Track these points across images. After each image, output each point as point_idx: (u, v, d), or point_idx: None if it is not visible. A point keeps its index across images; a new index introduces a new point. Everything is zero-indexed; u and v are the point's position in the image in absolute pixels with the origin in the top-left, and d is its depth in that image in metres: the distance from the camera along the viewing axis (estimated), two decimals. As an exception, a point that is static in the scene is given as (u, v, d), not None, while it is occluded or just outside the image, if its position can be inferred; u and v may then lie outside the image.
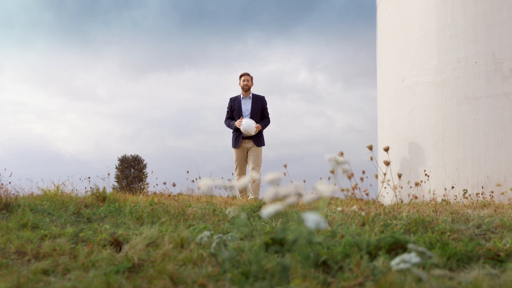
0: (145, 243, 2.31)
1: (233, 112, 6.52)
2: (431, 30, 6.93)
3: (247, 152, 6.39)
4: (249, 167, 6.34)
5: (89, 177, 6.56)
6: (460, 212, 3.24)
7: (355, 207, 2.72)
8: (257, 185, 6.23)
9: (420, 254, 1.26)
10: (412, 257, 1.21)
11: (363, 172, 2.96)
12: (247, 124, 6.24)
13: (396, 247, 2.01)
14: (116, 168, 38.57)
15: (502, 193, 4.83)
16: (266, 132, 6.63)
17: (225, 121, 6.63)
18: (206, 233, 1.79)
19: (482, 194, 5.22)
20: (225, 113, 6.66)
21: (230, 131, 6.57)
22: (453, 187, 5.37)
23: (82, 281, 1.79)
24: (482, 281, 1.58)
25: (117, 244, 2.48)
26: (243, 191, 6.13)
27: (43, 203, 3.25)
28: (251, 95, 6.52)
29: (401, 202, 2.94)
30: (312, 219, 0.95)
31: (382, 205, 2.86)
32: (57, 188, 4.24)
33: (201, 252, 2.01)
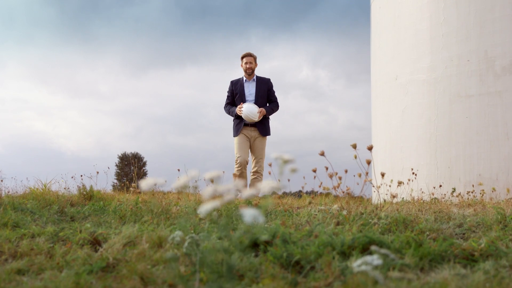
0: (123, 242, 2.30)
1: (235, 96, 5.76)
2: (424, 28, 6.92)
3: (250, 142, 5.67)
4: (252, 161, 5.66)
5: (81, 175, 6.53)
6: (444, 211, 3.24)
7: (336, 206, 2.71)
8: (257, 182, 5.61)
9: (383, 256, 1.26)
10: (374, 259, 1.21)
11: (346, 171, 2.95)
12: (248, 110, 5.46)
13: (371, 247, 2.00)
14: (116, 165, 38.64)
15: (485, 192, 4.83)
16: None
17: (225, 108, 5.87)
18: (178, 232, 1.78)
19: (472, 192, 5.22)
20: (225, 98, 5.89)
21: (231, 122, 5.87)
22: (440, 186, 5.38)
23: (53, 281, 1.79)
24: (451, 281, 1.57)
25: (97, 243, 2.47)
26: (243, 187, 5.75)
27: (26, 201, 3.24)
28: (255, 77, 5.79)
29: (384, 201, 2.94)
30: (249, 214, 0.94)
31: (360, 203, 2.86)
32: (45, 187, 4.23)
33: (175, 252, 2.00)
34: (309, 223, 2.42)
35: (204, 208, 1.00)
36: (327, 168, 2.99)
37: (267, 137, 5.76)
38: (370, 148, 2.90)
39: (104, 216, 3.14)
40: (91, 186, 3.95)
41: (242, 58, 5.79)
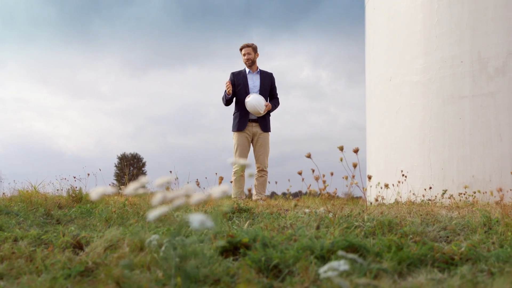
0: (105, 246, 2.29)
1: (237, 88, 5.45)
2: (417, 29, 6.92)
3: (252, 139, 5.40)
4: (255, 158, 5.38)
5: (74, 177, 6.50)
6: (432, 213, 3.23)
7: (322, 209, 2.70)
8: (263, 181, 5.34)
9: (351, 261, 1.25)
10: (341, 265, 1.20)
11: (331, 174, 2.94)
12: (256, 100, 5.18)
13: (351, 251, 2.00)
14: (116, 166, 38.66)
15: (473, 194, 4.83)
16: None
17: (223, 98, 5.55)
18: (155, 236, 1.77)
19: (464, 194, 5.22)
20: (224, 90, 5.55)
21: (231, 122, 5.56)
22: (430, 188, 5.37)
23: (30, 285, 1.78)
24: (426, 286, 1.56)
25: (79, 247, 2.46)
26: (240, 189, 5.33)
27: (12, 204, 3.23)
28: (258, 70, 5.55)
29: (371, 203, 2.93)
30: (196, 219, 0.94)
31: (344, 206, 2.85)
32: (34, 189, 4.22)
33: (154, 256, 1.99)
34: (292, 226, 2.41)
35: (152, 214, 0.99)
36: (313, 171, 2.98)
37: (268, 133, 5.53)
38: (356, 151, 2.89)
39: (90, 219, 3.13)
40: (80, 188, 3.94)
41: (241, 50, 5.58)
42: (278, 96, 5.66)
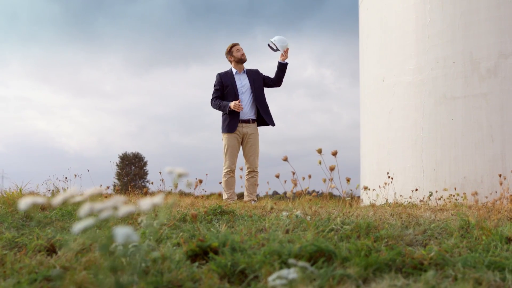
0: (77, 249, 2.28)
1: (225, 89, 5.34)
2: (410, 30, 6.89)
3: (242, 140, 5.36)
4: (245, 159, 5.36)
5: (66, 177, 6.50)
6: (413, 216, 3.21)
7: (298, 212, 2.69)
8: (254, 182, 5.31)
9: (302, 269, 1.23)
10: (290, 273, 1.18)
11: (310, 177, 2.93)
12: (281, 41, 5.25)
13: (320, 256, 1.98)
14: (117, 165, 38.63)
15: (450, 197, 4.81)
16: (270, 128, 5.55)
17: (213, 102, 5.38)
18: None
19: (454, 195, 5.19)
20: (212, 92, 5.43)
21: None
22: (417, 189, 5.35)
23: (-7, 290, 1.76)
24: (387, 293, 1.55)
25: (53, 250, 2.45)
26: (231, 190, 5.30)
27: (-9, 206, 3.22)
28: (244, 69, 5.45)
29: (350, 206, 2.92)
30: (121, 233, 0.92)
31: (321, 208, 2.83)
32: (20, 191, 4.21)
33: (122, 260, 1.98)
34: (267, 229, 2.39)
35: (78, 227, 0.97)
36: (293, 173, 2.96)
37: (264, 132, 5.46)
38: (334, 154, 2.88)
39: (70, 221, 3.11)
40: (64, 189, 3.93)
41: (232, 47, 5.41)
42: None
